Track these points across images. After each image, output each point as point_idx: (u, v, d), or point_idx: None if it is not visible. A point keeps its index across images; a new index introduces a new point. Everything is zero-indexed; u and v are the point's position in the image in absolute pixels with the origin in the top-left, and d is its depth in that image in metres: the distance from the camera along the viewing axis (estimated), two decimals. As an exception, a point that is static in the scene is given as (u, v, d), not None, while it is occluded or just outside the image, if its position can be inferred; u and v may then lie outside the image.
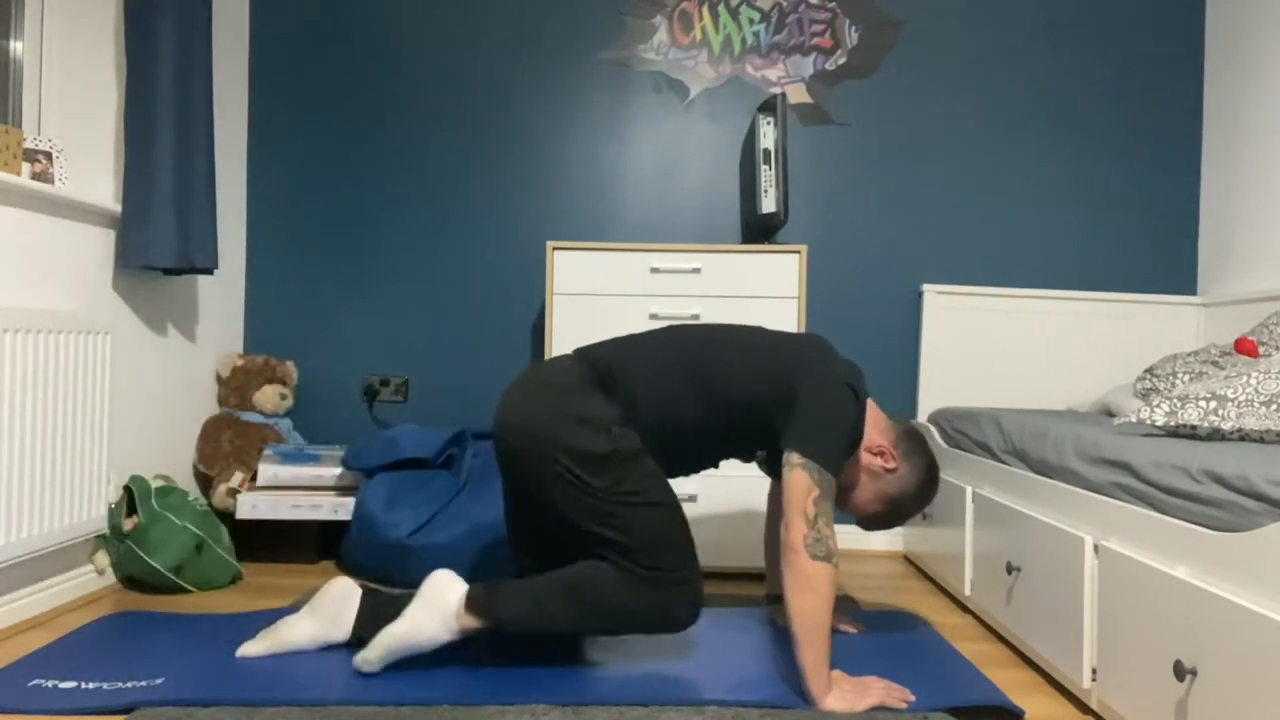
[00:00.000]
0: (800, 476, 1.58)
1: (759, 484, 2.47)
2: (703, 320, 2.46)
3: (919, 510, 1.86)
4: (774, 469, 1.79)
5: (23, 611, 1.96)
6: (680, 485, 2.46)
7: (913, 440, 1.84)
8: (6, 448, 1.84)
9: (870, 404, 1.83)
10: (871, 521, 1.87)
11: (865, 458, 1.80)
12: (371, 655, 1.61)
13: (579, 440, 1.63)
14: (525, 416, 1.68)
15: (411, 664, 1.67)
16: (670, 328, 1.85)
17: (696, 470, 1.84)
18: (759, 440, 1.76)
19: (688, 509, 2.47)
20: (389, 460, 2.38)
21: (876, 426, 1.82)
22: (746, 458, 1.85)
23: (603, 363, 1.73)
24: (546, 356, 2.49)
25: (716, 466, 1.87)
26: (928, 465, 1.83)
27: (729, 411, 1.72)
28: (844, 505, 1.84)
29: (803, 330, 2.44)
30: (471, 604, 1.61)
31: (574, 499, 1.63)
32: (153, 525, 2.17)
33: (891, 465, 1.80)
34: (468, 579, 1.67)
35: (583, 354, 1.78)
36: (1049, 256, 2.97)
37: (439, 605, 1.61)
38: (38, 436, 1.92)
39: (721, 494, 2.47)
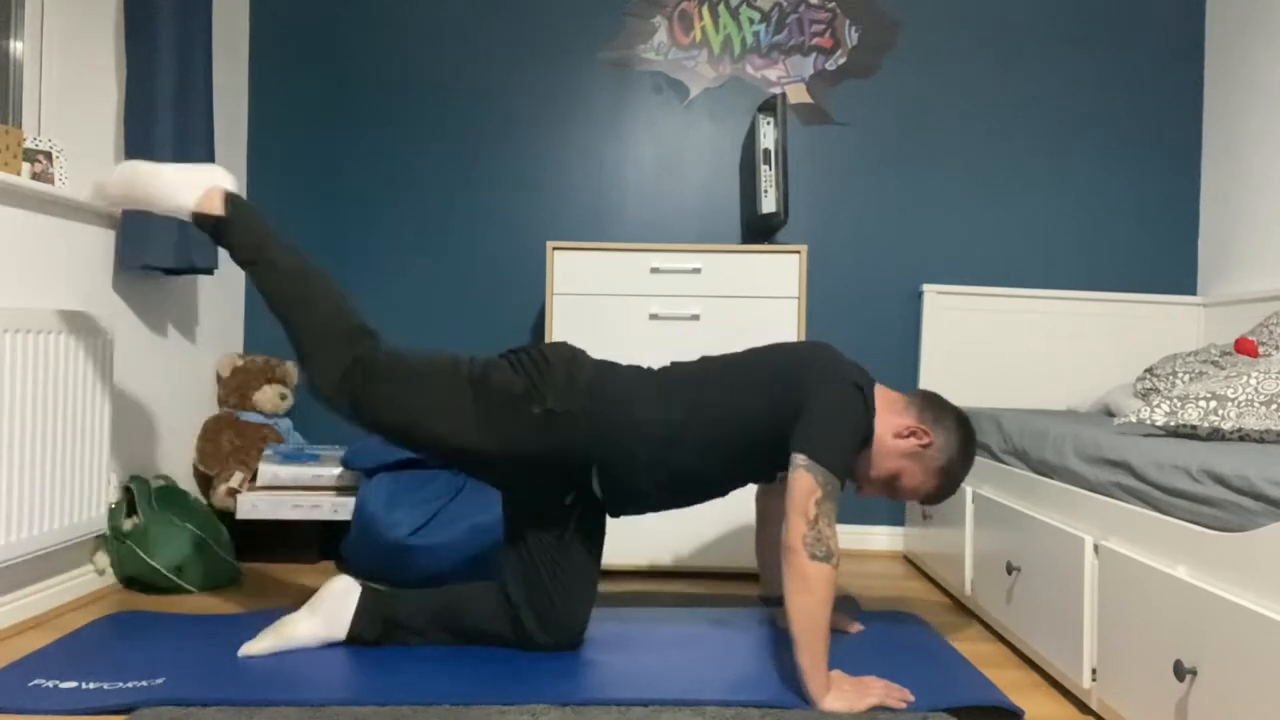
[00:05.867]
0: (804, 477, 1.57)
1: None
2: (702, 321, 2.45)
3: (969, 468, 1.81)
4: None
5: (23, 611, 1.96)
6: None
7: (935, 407, 1.79)
8: (6, 448, 1.84)
9: (880, 389, 1.79)
10: (931, 498, 1.82)
11: (898, 444, 1.74)
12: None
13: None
14: None
15: (412, 664, 1.67)
16: (671, 365, 1.84)
17: (721, 495, 1.84)
18: (781, 462, 1.71)
19: (687, 508, 2.47)
20: (389, 460, 2.38)
21: (894, 409, 1.77)
22: (768, 480, 1.85)
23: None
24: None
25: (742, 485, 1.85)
26: (959, 423, 1.78)
27: (749, 445, 1.71)
28: (903, 495, 1.80)
29: (802, 332, 2.44)
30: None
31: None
32: (153, 525, 2.17)
33: (926, 440, 1.75)
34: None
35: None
36: (1049, 256, 2.97)
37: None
38: (38, 436, 1.92)
39: (721, 494, 2.47)
